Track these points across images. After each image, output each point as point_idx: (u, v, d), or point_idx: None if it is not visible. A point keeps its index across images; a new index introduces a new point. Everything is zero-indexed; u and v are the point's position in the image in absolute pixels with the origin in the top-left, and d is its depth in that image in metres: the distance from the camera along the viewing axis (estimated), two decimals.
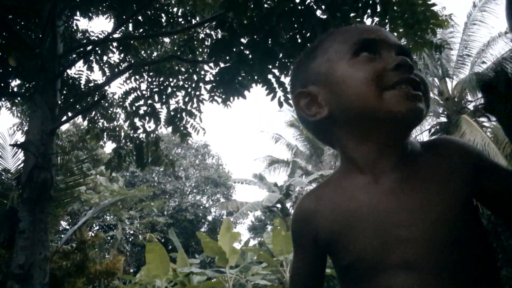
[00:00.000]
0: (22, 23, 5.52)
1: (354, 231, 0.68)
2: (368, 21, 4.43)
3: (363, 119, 0.67)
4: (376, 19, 4.44)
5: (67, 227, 17.13)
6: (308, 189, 21.22)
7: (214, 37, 5.45)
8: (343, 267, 0.70)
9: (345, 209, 0.70)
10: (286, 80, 4.34)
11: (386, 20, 4.43)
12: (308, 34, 4.14)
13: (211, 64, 5.76)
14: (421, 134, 13.28)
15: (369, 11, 4.14)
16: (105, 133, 6.73)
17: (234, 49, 4.13)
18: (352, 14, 4.19)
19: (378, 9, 4.15)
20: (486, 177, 0.67)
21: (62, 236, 12.00)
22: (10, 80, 5.57)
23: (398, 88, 0.64)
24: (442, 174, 0.67)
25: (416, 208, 0.65)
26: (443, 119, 12.70)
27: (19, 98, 6.83)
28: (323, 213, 0.73)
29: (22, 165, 5.15)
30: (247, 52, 4.20)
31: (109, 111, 6.83)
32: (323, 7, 4.02)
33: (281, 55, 4.13)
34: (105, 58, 6.37)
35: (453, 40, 12.04)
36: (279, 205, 19.96)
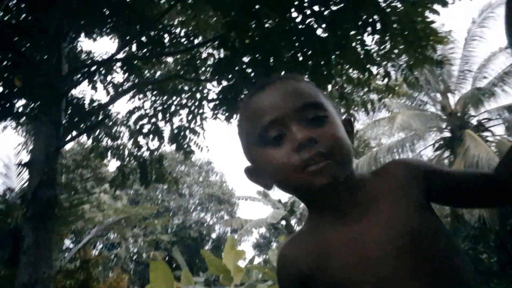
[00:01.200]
0: (28, 44, 5.62)
1: (329, 269, 0.73)
2: (368, 39, 4.48)
3: (295, 194, 0.79)
4: (377, 36, 4.50)
5: (71, 245, 17.03)
6: None
7: (217, 56, 5.53)
8: None
9: (316, 251, 0.76)
10: None
11: (387, 38, 4.48)
12: (310, 52, 4.20)
13: (214, 83, 5.82)
14: (425, 149, 13.26)
15: (369, 28, 4.19)
16: (109, 152, 6.77)
17: (236, 68, 4.19)
18: (352, 32, 4.25)
19: (378, 27, 4.20)
20: (434, 180, 0.76)
21: (66, 254, 11.94)
22: (16, 101, 5.64)
23: (306, 169, 0.70)
24: (395, 192, 0.74)
25: (377, 228, 0.71)
26: (447, 134, 12.67)
27: (24, 118, 6.91)
28: (301, 258, 0.78)
29: (26, 184, 5.18)
30: (249, 70, 4.25)
31: (113, 130, 6.89)
32: (323, 25, 4.09)
33: (283, 73, 4.18)
34: (109, 78, 6.47)
35: (454, 55, 12.12)
36: (283, 222, 19.80)
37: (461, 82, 12.77)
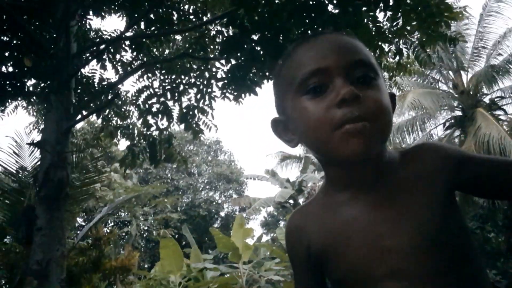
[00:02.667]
0: (36, 23, 5.60)
1: (341, 246, 0.70)
2: (380, 15, 4.38)
3: (322, 155, 0.72)
4: (389, 13, 4.39)
5: (83, 223, 17.37)
6: (320, 185, 21.10)
7: (226, 34, 5.45)
8: (335, 282, 0.73)
9: (330, 225, 0.72)
10: None
11: (399, 14, 4.37)
12: (320, 30, 4.11)
13: (223, 61, 5.76)
14: (436, 128, 13.11)
15: (381, 4, 4.09)
16: (119, 131, 6.79)
17: (245, 46, 4.13)
18: (364, 8, 4.14)
19: (391, 3, 4.09)
20: (466, 170, 0.70)
21: (78, 232, 12.18)
22: (26, 80, 5.66)
23: (343, 128, 0.64)
24: (421, 180, 0.69)
25: (398, 217, 0.67)
26: (458, 112, 12.50)
27: (34, 98, 6.95)
28: (310, 230, 0.76)
29: (38, 163, 5.25)
30: (258, 48, 4.19)
31: (123, 109, 6.90)
32: (334, 1, 3.99)
33: None
34: (117, 56, 6.42)
35: (468, 32, 11.81)
36: (291, 201, 19.94)
37: (475, 59, 12.49)
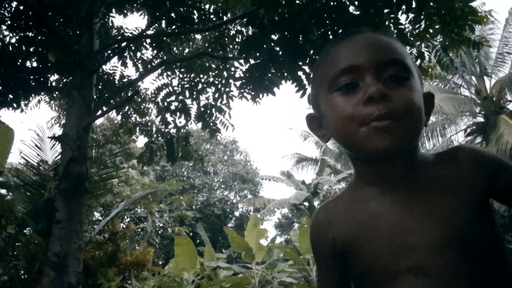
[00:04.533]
0: (61, 20, 5.73)
1: (366, 239, 0.71)
2: (402, 17, 4.31)
3: (350, 151, 0.73)
4: (411, 15, 4.32)
5: (100, 218, 17.65)
6: (337, 188, 20.96)
7: (245, 34, 5.46)
8: (357, 275, 0.74)
9: (357, 219, 0.73)
10: None
11: (422, 17, 4.30)
12: (340, 31, 4.08)
13: (241, 61, 5.78)
14: (456, 134, 12.87)
15: (403, 6, 4.03)
16: (138, 128, 6.89)
17: (265, 46, 4.13)
18: (385, 10, 4.09)
19: (414, 5, 4.03)
20: (502, 178, 0.69)
21: (95, 226, 12.37)
22: (49, 75, 5.79)
23: (369, 125, 0.65)
24: (454, 182, 0.69)
25: (426, 215, 0.67)
26: (480, 119, 12.23)
27: (57, 93, 7.10)
28: (337, 224, 0.76)
29: (59, 157, 5.36)
30: (278, 49, 4.18)
31: (142, 106, 6.99)
32: (356, 3, 3.95)
33: (311, 51, 4.09)
34: (138, 54, 6.52)
35: (493, 37, 11.56)
36: (306, 203, 19.82)
37: (499, 64, 12.21)
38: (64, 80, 6.13)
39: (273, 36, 4.10)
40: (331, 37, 4.09)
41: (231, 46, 6.17)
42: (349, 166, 20.63)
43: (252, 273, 14.17)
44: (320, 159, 21.36)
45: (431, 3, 4.16)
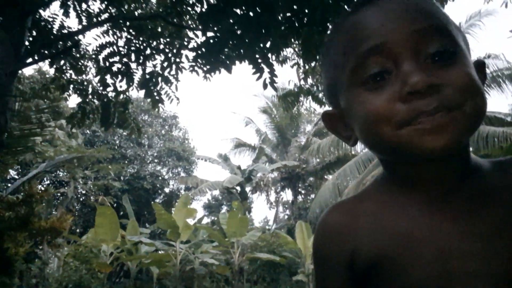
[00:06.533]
0: None
1: (408, 256, 0.54)
2: None
3: (388, 156, 0.57)
4: None
5: (16, 176, 16.35)
6: (270, 177, 21.29)
7: (206, 3, 5.14)
8: None
9: (395, 229, 0.56)
10: (275, 62, 4.16)
11: None
12: (305, 19, 3.95)
13: (197, 32, 5.47)
14: None
15: None
16: (72, 85, 6.30)
17: (227, 20, 3.88)
18: None
19: None
20: None
21: (9, 185, 11.39)
22: None
23: (414, 125, 0.49)
24: None
25: (486, 236, 0.52)
26: None
27: None
28: (363, 231, 0.58)
29: None
30: (240, 25, 3.96)
31: (80, 63, 6.39)
32: None
33: (275, 34, 3.93)
34: (84, 6, 5.91)
35: None
36: (238, 188, 19.94)
37: None
38: None
39: (237, 11, 3.86)
40: (296, 24, 3.95)
41: (188, 15, 5.80)
42: (284, 157, 21.02)
43: (175, 251, 13.97)
44: (259, 147, 21.51)
45: None
